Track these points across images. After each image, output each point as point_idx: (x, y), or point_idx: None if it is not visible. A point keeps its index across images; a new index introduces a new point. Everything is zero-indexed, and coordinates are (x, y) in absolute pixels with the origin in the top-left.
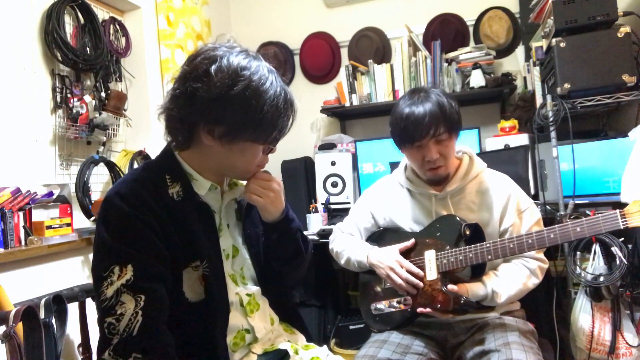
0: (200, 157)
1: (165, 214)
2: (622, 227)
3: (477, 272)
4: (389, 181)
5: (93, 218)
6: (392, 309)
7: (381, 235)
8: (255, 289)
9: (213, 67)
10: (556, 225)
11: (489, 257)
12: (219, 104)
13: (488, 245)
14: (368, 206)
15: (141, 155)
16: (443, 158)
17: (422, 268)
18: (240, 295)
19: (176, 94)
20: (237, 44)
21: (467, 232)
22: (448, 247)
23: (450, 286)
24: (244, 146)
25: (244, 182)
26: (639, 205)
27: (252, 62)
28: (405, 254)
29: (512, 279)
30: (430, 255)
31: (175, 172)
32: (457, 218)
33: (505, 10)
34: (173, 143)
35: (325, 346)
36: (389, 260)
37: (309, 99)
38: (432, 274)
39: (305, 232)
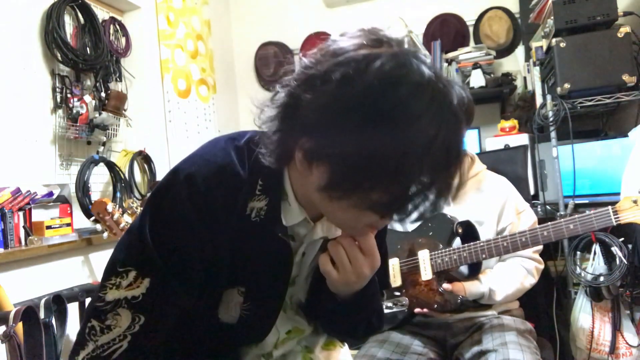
0: (299, 178)
1: (230, 233)
2: (614, 223)
3: (473, 270)
4: None
5: (93, 218)
6: (389, 310)
7: None
8: (297, 321)
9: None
10: (549, 223)
11: (483, 255)
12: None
13: (482, 244)
14: None
15: (141, 155)
16: None
17: (417, 268)
18: (279, 333)
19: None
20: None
21: (460, 230)
22: (441, 247)
23: (446, 285)
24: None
25: None
26: (630, 202)
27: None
28: (400, 254)
29: (510, 277)
30: (424, 255)
31: (271, 181)
32: (448, 216)
33: (505, 10)
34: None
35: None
36: None
37: None
38: (427, 274)
39: None
